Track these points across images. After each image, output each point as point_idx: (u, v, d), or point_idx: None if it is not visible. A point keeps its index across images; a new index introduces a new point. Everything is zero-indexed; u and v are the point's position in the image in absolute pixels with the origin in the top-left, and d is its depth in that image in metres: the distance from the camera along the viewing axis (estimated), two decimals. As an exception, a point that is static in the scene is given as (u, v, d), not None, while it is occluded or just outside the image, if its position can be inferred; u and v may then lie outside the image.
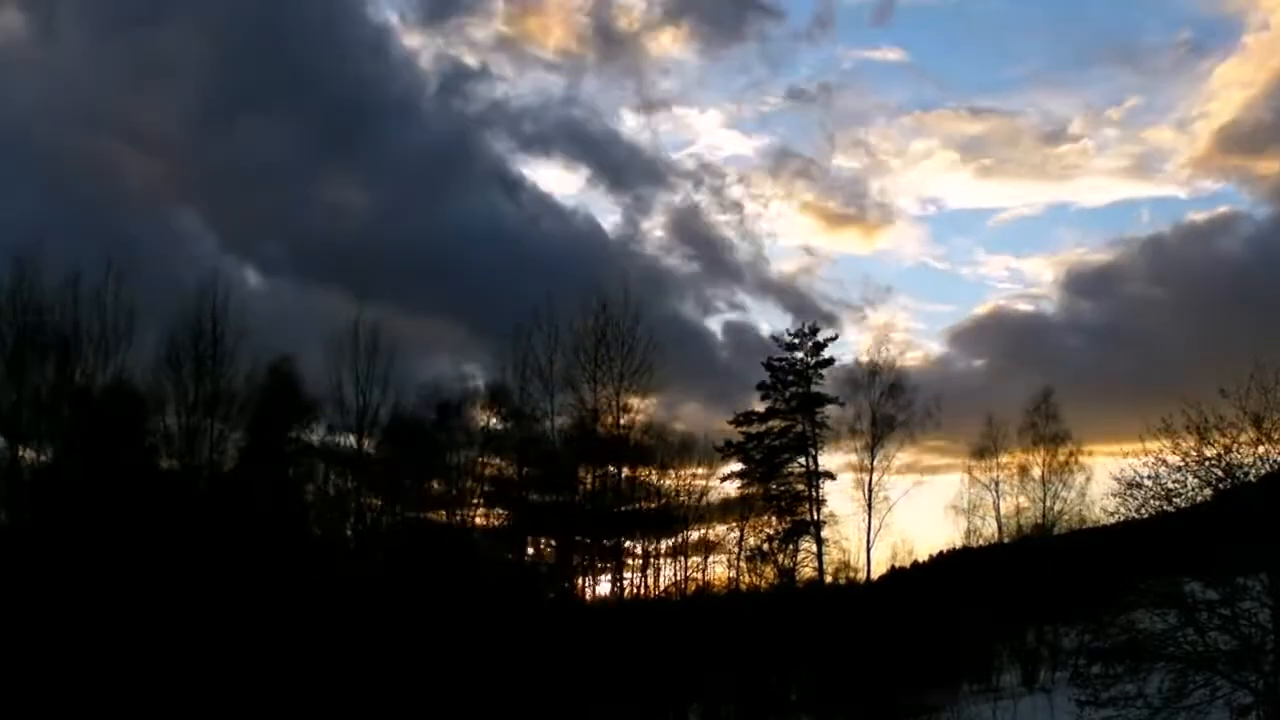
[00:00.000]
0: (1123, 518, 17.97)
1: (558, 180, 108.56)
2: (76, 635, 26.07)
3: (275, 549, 31.15)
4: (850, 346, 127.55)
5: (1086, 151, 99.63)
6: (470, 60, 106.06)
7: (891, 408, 46.46)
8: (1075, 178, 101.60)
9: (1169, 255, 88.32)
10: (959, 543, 50.90)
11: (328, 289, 54.52)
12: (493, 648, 31.82)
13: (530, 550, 41.90)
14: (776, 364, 48.15)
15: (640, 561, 43.98)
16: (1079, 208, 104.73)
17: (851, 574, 46.91)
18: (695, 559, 45.98)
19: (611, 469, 40.58)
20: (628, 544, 42.96)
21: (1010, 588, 43.92)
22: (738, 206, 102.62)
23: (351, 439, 35.84)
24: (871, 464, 46.13)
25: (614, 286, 40.88)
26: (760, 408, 48.12)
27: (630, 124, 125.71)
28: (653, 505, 42.13)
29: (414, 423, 38.10)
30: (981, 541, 48.62)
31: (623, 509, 40.75)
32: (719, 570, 47.03)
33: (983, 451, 48.19)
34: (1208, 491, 16.51)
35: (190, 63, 66.14)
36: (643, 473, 42.21)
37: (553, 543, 42.37)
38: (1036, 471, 47.25)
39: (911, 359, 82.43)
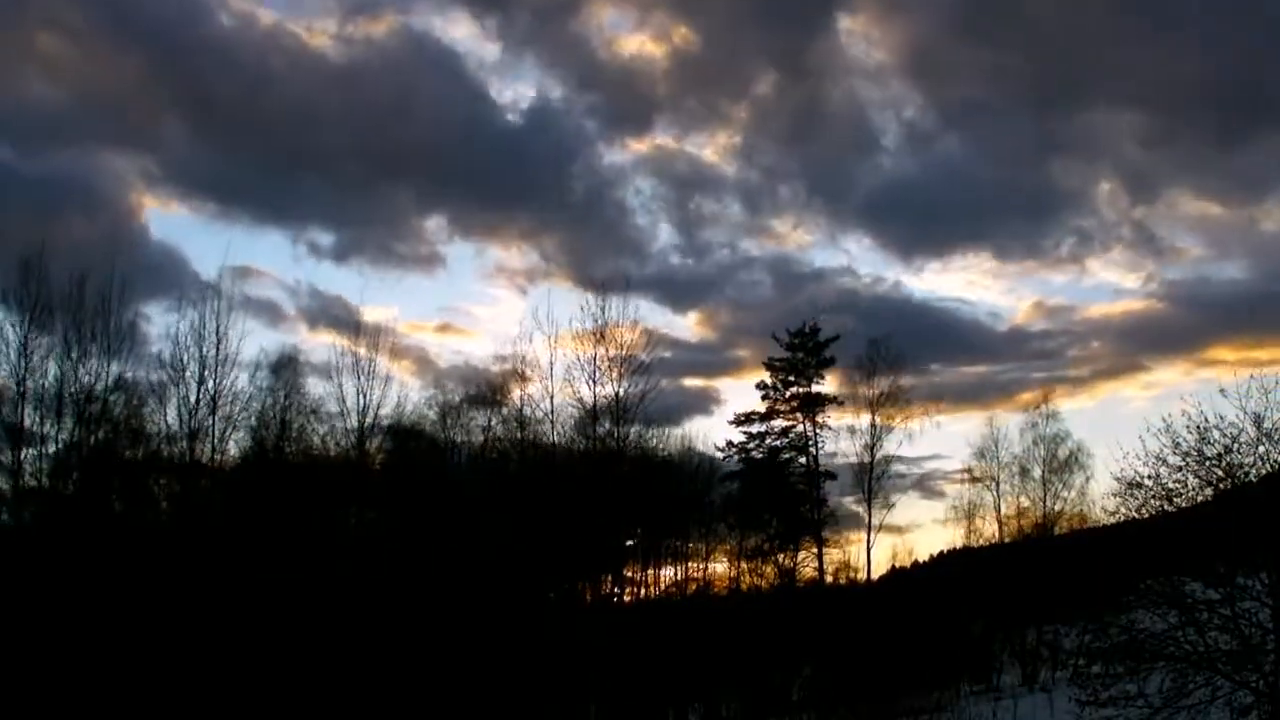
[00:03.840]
0: (1123, 518, 17.96)
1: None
2: (78, 635, 26.12)
3: (276, 548, 31.19)
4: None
5: None
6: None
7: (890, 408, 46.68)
8: None
9: None
10: (959, 543, 51.10)
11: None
12: (493, 647, 31.87)
13: (531, 550, 41.94)
14: (777, 364, 48.25)
15: (641, 562, 44.09)
16: None
17: (852, 574, 47.08)
18: (695, 559, 46.12)
19: (612, 468, 40.66)
20: (628, 544, 43.04)
21: (1010, 588, 44.01)
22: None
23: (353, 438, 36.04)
24: (872, 463, 46.27)
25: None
26: (761, 407, 48.31)
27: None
28: (654, 504, 42.17)
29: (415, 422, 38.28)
30: (981, 541, 48.77)
31: (623, 508, 40.80)
32: (719, 570, 47.18)
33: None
34: (1208, 491, 16.52)
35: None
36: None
37: (554, 543, 42.39)
38: (1036, 471, 47.44)
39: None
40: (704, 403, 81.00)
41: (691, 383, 68.58)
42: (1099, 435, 66.81)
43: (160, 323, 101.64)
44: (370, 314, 71.39)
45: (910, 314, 75.80)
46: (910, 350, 49.62)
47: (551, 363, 39.27)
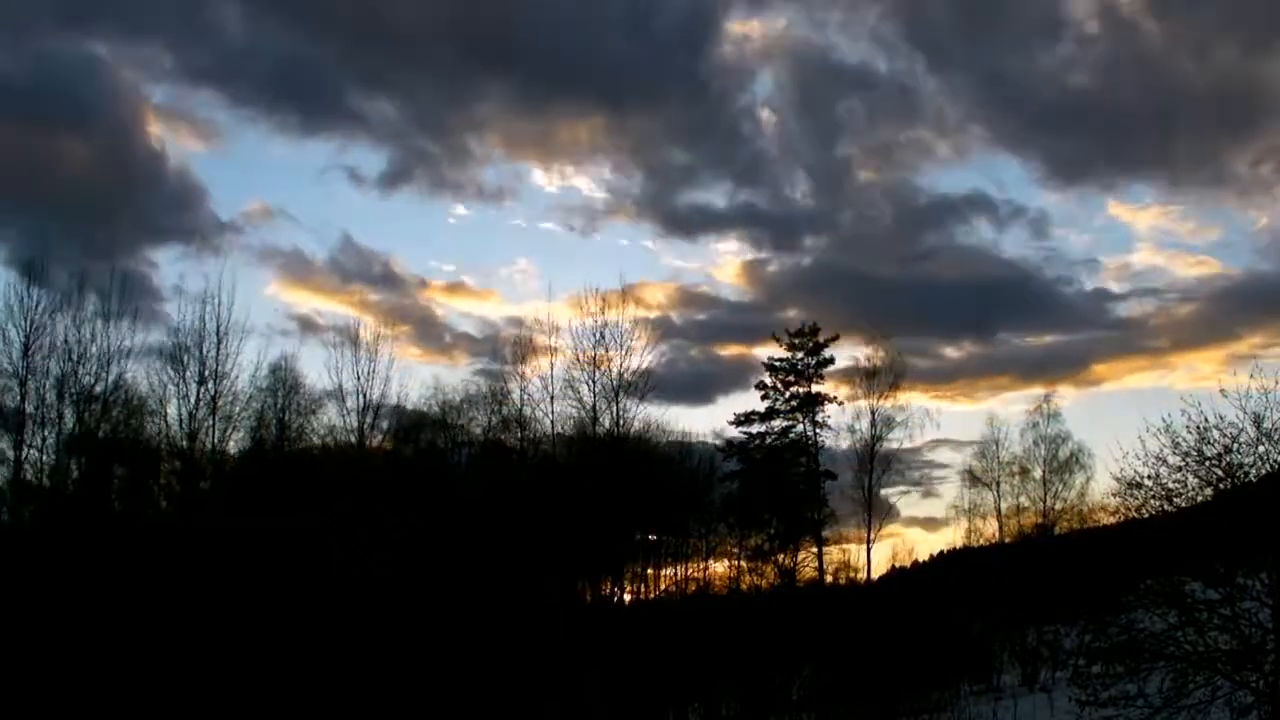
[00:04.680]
0: (1123, 518, 17.95)
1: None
2: (77, 633, 26.10)
3: (275, 546, 31.18)
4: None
5: None
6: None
7: (890, 408, 46.75)
8: None
9: None
10: (959, 543, 51.12)
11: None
12: (493, 647, 31.85)
13: (531, 550, 41.95)
14: (777, 364, 48.24)
15: (641, 562, 44.05)
16: None
17: (852, 574, 47.10)
18: (695, 559, 46.11)
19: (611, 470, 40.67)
20: (629, 544, 43.01)
21: (1010, 588, 43.99)
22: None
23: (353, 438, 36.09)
24: (872, 463, 46.28)
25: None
26: (761, 407, 48.30)
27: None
28: (653, 503, 42.16)
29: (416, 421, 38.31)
30: (982, 541, 48.77)
31: (623, 507, 40.81)
32: (719, 570, 47.19)
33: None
34: (1208, 491, 16.52)
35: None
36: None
37: (554, 543, 42.40)
38: (1037, 472, 47.44)
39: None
40: (743, 374, 74.01)
41: (726, 352, 63.87)
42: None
43: (169, 271, 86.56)
44: (398, 267, 66.15)
45: (1001, 271, 69.62)
46: (990, 314, 47.17)
47: (553, 360, 39.30)
